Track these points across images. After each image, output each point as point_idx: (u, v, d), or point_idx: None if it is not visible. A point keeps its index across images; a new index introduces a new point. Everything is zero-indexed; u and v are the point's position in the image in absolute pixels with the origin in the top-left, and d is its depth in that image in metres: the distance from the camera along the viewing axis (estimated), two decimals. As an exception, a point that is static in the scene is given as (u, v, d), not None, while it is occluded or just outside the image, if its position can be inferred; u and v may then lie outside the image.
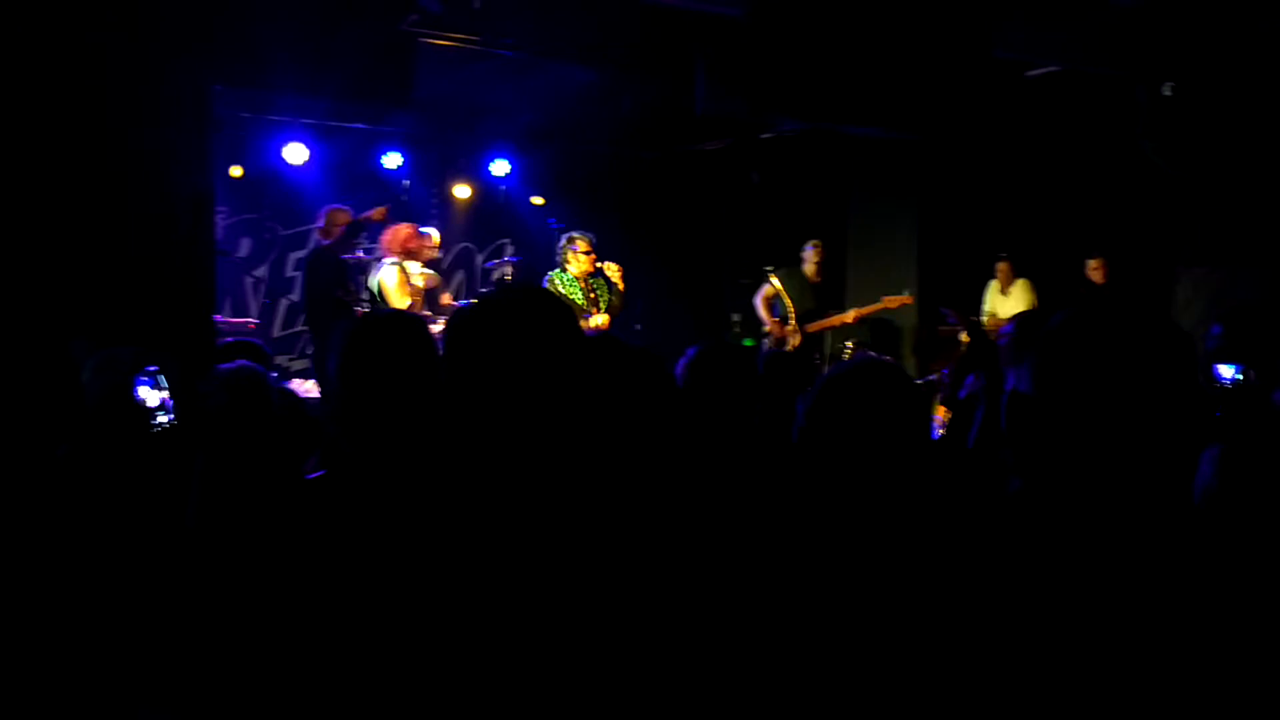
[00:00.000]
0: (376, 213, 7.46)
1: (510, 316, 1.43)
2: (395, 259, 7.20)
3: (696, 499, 2.32)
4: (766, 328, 8.45)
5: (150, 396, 2.34)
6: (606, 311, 7.24)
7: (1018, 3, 6.64)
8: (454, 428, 1.42)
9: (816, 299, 8.36)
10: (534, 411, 1.40)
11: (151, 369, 2.36)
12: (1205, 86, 7.16)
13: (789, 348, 8.08)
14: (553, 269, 7.33)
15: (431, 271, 7.80)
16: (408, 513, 1.52)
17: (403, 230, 7.29)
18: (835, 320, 8.27)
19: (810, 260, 8.43)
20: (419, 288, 7.32)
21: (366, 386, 2.03)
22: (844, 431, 1.87)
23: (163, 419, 2.32)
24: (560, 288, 7.17)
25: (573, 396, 1.44)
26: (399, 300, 7.06)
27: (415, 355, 1.87)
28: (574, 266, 7.21)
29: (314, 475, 2.14)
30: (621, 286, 7.29)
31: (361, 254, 7.91)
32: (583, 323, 6.98)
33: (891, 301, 8.27)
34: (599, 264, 7.25)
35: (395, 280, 7.09)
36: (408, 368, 1.93)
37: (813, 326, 8.28)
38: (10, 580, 1.90)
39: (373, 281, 7.27)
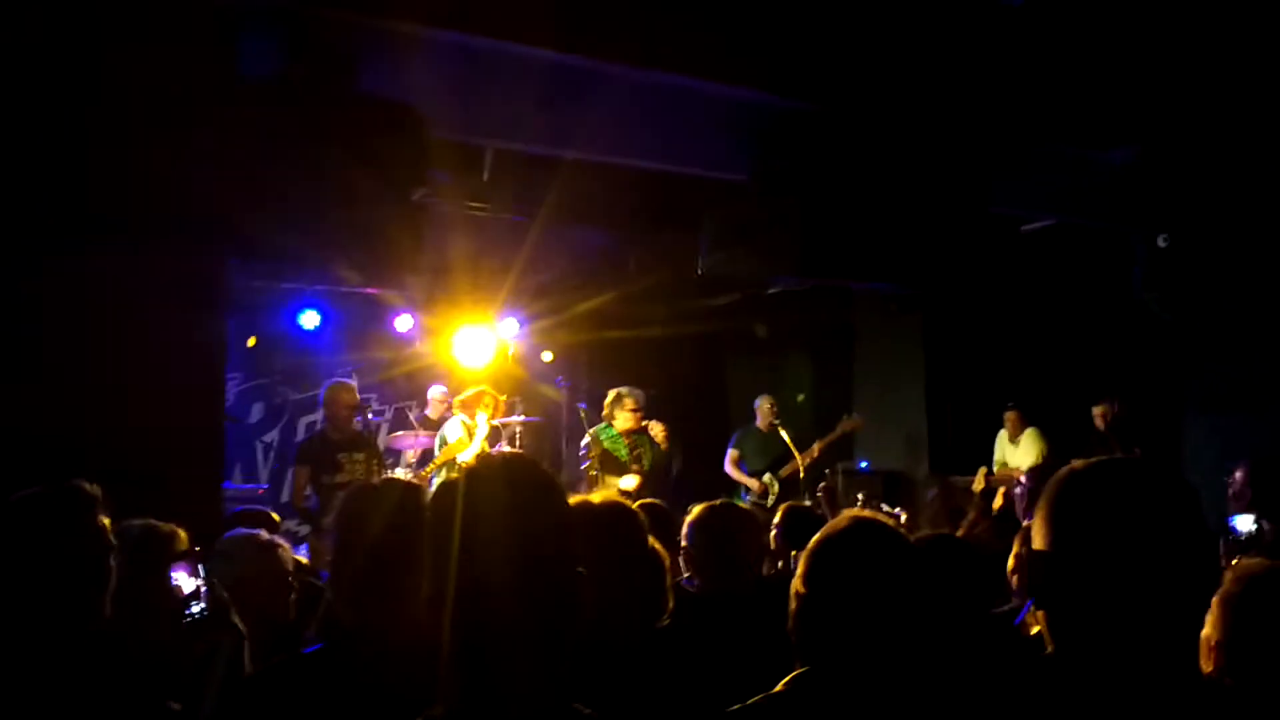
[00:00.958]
0: None
1: (490, 486, 1.43)
2: (464, 415, 7.88)
3: (696, 664, 2.27)
4: (746, 484, 8.54)
5: (187, 584, 2.33)
6: (649, 468, 7.37)
7: (1012, 160, 6.83)
8: (435, 602, 1.41)
9: (779, 447, 8.40)
10: (515, 583, 1.39)
11: (193, 555, 2.37)
12: (1202, 236, 7.29)
13: (768, 502, 8.07)
14: (596, 424, 7.53)
15: (517, 422, 8.51)
16: (399, 695, 1.49)
17: (474, 392, 7.99)
18: (805, 459, 8.33)
19: (762, 414, 8.60)
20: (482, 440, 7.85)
21: (363, 555, 2.02)
22: (836, 599, 1.85)
23: (196, 608, 2.31)
24: (605, 443, 7.36)
25: (554, 566, 1.44)
26: (460, 451, 7.70)
27: (411, 523, 1.87)
28: (620, 422, 7.37)
29: (312, 650, 2.11)
30: (665, 447, 7.42)
31: (372, 416, 7.99)
32: (614, 481, 7.09)
33: (847, 425, 8.74)
34: (645, 422, 7.38)
35: (458, 435, 7.81)
36: (404, 535, 1.92)
37: (784, 471, 8.40)
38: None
39: (438, 436, 7.98)
